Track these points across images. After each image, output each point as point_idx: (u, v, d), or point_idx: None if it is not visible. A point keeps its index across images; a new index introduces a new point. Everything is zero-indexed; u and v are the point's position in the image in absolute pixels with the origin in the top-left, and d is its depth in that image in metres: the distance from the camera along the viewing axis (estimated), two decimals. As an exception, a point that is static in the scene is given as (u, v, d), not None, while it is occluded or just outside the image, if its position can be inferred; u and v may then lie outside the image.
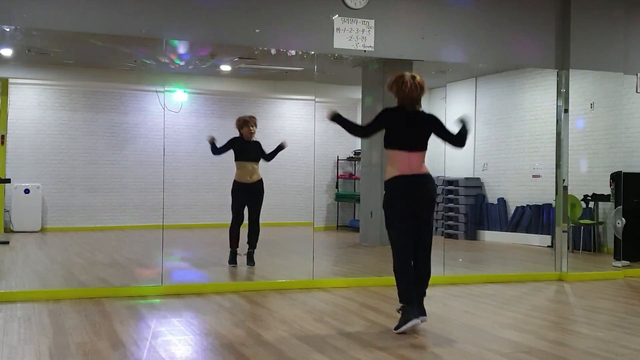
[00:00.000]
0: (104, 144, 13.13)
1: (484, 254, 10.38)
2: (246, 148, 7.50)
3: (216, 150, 7.57)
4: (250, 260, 7.49)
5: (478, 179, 12.19)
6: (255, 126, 7.59)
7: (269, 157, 7.59)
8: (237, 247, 7.52)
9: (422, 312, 4.66)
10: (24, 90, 12.57)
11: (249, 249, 7.51)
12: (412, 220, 4.63)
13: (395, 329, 4.52)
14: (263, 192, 7.55)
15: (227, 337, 4.37)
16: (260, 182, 7.54)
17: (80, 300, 5.58)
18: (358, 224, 11.48)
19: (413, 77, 4.67)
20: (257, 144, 7.60)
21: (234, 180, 7.55)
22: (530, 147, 11.11)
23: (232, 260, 7.50)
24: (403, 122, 4.67)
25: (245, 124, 7.54)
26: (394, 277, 4.65)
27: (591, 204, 9.50)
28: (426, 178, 4.67)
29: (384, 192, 4.69)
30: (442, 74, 9.20)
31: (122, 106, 13.31)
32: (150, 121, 13.19)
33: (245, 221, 7.56)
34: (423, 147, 4.70)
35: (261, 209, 7.54)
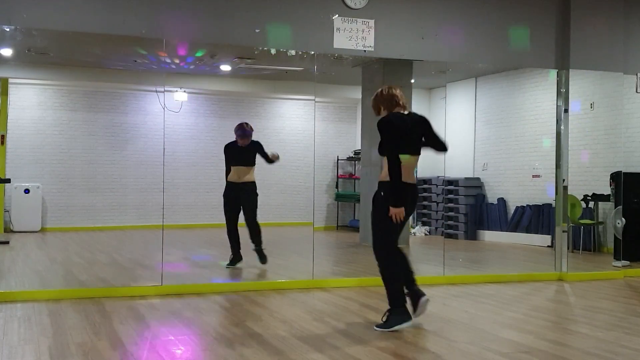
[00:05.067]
0: (104, 144, 13.13)
1: (484, 254, 10.38)
2: (238, 153, 7.51)
3: (227, 174, 7.59)
4: (262, 257, 7.44)
5: (478, 179, 12.19)
6: (250, 133, 7.51)
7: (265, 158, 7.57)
8: (239, 250, 7.48)
9: (421, 293, 4.72)
10: (24, 90, 12.57)
11: (255, 247, 7.47)
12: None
13: (386, 327, 4.57)
14: (254, 194, 7.49)
15: (227, 337, 4.38)
16: (250, 183, 7.48)
17: (80, 300, 5.58)
18: (358, 224, 11.48)
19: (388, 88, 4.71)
20: (254, 146, 7.53)
21: (227, 181, 7.57)
22: (530, 147, 11.11)
23: (231, 262, 7.46)
24: (409, 126, 4.64)
25: (241, 133, 7.49)
26: (397, 277, 4.62)
27: (591, 204, 9.50)
28: (416, 187, 4.74)
29: (383, 193, 4.61)
30: (442, 74, 9.20)
31: (122, 106, 13.31)
32: (150, 121, 13.19)
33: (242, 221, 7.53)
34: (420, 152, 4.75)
35: (256, 211, 7.48)
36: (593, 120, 8.25)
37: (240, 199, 7.47)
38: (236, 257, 7.48)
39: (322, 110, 13.85)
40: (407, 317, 4.56)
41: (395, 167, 4.47)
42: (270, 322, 4.93)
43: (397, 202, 4.49)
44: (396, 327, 4.53)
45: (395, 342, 4.28)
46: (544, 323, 5.04)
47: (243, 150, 7.50)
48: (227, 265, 7.45)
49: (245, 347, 4.10)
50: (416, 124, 4.70)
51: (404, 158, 4.50)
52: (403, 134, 4.55)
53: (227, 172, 7.59)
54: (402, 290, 4.61)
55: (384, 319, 4.60)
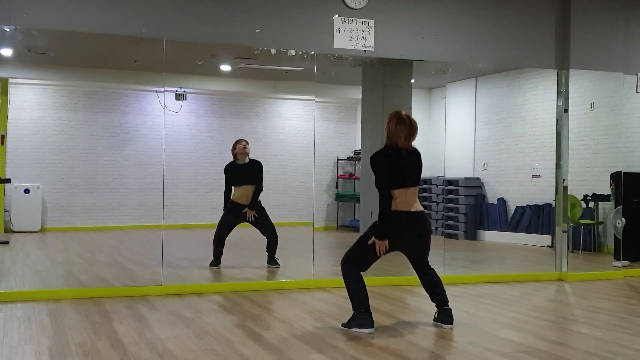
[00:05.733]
0: (104, 144, 13.13)
1: (484, 254, 10.38)
2: (240, 172, 7.48)
3: (227, 194, 7.56)
4: (277, 263, 7.46)
5: (478, 179, 12.19)
6: (248, 144, 7.53)
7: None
8: (222, 253, 7.48)
9: (450, 320, 4.75)
10: (24, 90, 12.57)
11: (270, 254, 7.49)
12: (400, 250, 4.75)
13: (347, 327, 4.61)
14: (263, 209, 7.52)
15: (227, 337, 4.38)
16: (258, 204, 7.50)
17: (80, 300, 5.59)
18: (358, 224, 11.48)
19: (410, 121, 4.60)
20: (255, 166, 7.53)
21: (231, 200, 7.53)
22: (530, 147, 11.11)
23: (214, 263, 7.45)
24: (400, 160, 4.60)
25: (237, 142, 7.51)
26: (357, 281, 4.71)
27: (591, 204, 9.49)
28: (423, 215, 4.71)
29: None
30: (442, 74, 9.19)
31: (122, 106, 13.31)
32: (150, 121, 13.19)
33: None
34: (417, 183, 4.70)
35: (270, 220, 7.53)
36: (593, 120, 8.25)
37: (245, 219, 7.47)
38: (218, 260, 7.46)
39: (322, 110, 13.84)
40: (367, 324, 4.57)
41: (382, 201, 4.52)
42: (270, 322, 4.93)
43: (379, 234, 4.56)
44: (354, 330, 4.57)
45: (395, 342, 4.28)
46: (544, 323, 5.04)
47: (244, 168, 7.49)
48: (211, 266, 7.43)
49: (245, 347, 4.11)
50: (413, 159, 4.67)
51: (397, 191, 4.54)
52: (393, 168, 4.54)
53: (227, 192, 7.54)
54: (361, 295, 4.64)
55: (349, 319, 4.66)
